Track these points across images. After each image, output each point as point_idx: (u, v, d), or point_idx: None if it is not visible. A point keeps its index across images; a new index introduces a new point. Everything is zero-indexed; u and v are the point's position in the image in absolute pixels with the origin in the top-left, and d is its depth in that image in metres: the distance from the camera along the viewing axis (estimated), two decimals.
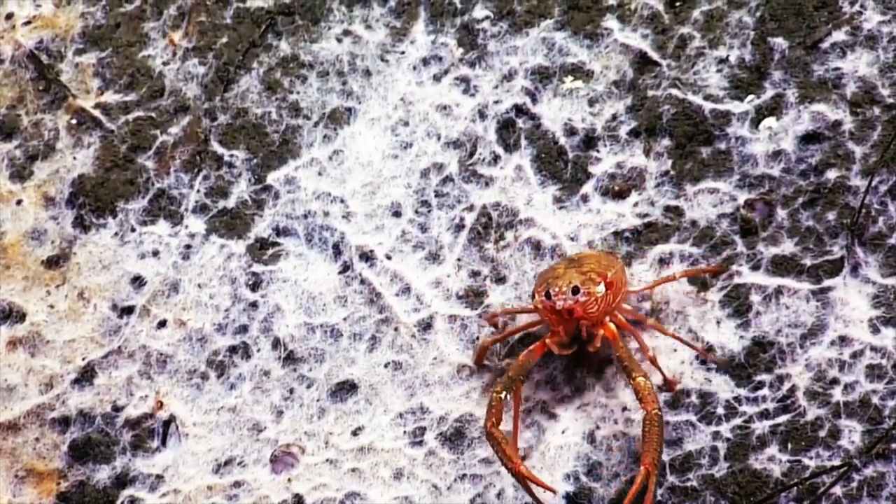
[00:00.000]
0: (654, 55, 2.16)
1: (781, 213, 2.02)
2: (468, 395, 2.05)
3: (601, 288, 1.91)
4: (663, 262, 2.05)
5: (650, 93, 2.14)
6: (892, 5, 2.07)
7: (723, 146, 2.08)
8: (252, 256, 2.19)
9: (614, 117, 2.14)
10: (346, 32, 2.29)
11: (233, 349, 2.15)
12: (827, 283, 1.96)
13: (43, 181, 2.29)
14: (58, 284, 2.23)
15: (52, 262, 2.25)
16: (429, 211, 2.17)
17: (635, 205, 2.09)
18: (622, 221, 2.09)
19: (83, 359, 2.18)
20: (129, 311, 2.19)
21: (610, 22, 2.19)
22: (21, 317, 2.22)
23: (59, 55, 2.36)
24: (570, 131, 2.15)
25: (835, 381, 1.91)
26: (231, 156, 2.26)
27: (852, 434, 1.87)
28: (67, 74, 2.35)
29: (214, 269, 2.19)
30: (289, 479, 2.06)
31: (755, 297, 1.98)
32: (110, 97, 2.32)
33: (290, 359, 2.12)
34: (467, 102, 2.21)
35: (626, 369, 1.88)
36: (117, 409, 2.15)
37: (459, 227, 2.15)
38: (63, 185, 2.28)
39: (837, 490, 1.85)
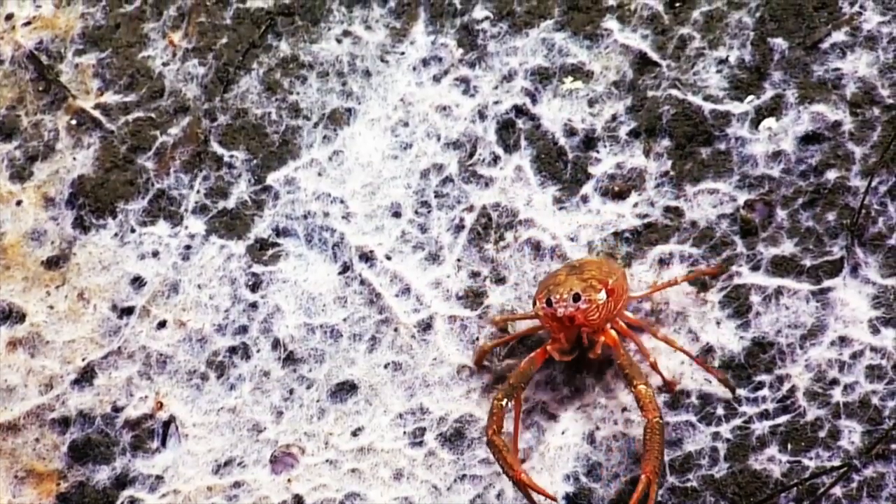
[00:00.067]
0: (654, 56, 2.16)
1: (781, 214, 2.02)
2: (468, 396, 2.05)
3: (602, 295, 1.90)
4: (663, 262, 2.05)
5: (650, 93, 2.14)
6: (892, 6, 2.07)
7: (723, 147, 2.08)
8: (252, 257, 2.19)
9: (614, 118, 2.14)
10: (346, 33, 2.29)
11: (233, 350, 2.15)
12: (827, 283, 1.96)
13: (43, 182, 2.29)
14: (58, 285, 2.23)
15: (52, 263, 2.25)
16: (429, 211, 2.17)
17: (635, 205, 2.09)
18: (622, 222, 2.09)
19: (83, 359, 2.18)
20: (128, 311, 2.19)
21: (610, 22, 2.19)
22: (21, 317, 2.22)
23: (58, 56, 2.36)
24: (570, 132, 2.15)
25: (835, 382, 1.91)
26: (231, 156, 2.26)
27: (852, 435, 1.87)
28: (67, 75, 2.35)
29: (214, 269, 2.19)
30: (288, 480, 2.06)
31: (755, 298, 1.98)
32: (110, 98, 2.32)
33: (289, 359, 2.12)
34: (467, 103, 2.21)
35: (628, 377, 1.87)
36: (117, 409, 2.15)
37: (459, 228, 2.15)
38: (63, 185, 2.28)
39: (837, 490, 1.85)
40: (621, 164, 2.12)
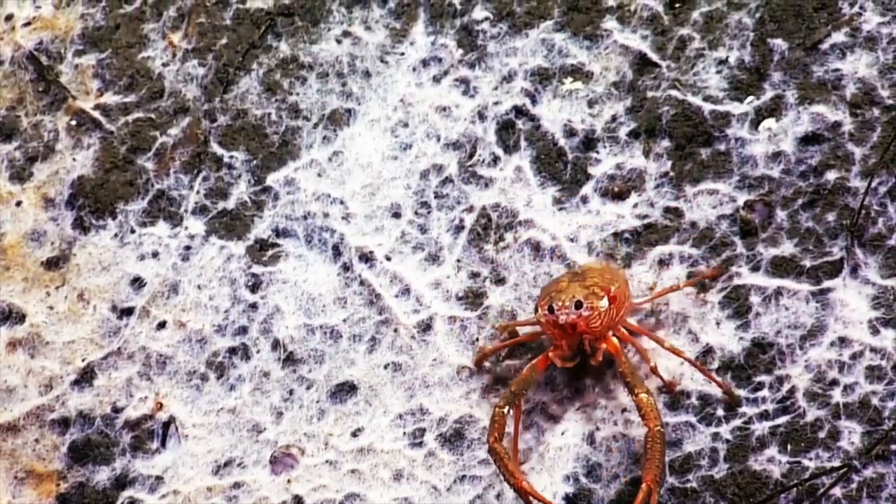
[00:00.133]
0: (654, 56, 2.16)
1: (781, 215, 2.02)
2: (468, 397, 2.05)
3: (604, 302, 1.90)
4: (663, 263, 2.05)
5: (650, 94, 2.14)
6: (892, 6, 2.07)
7: (722, 147, 2.08)
8: (252, 258, 2.19)
9: (614, 118, 2.14)
10: (346, 34, 2.29)
11: (232, 350, 2.15)
12: (826, 284, 1.96)
13: (42, 182, 2.29)
14: (57, 286, 2.23)
15: (52, 264, 2.25)
16: (428, 212, 2.17)
17: (635, 206, 2.09)
18: (622, 222, 2.08)
19: (83, 360, 2.18)
20: (128, 312, 2.19)
21: (609, 23, 2.19)
22: (21, 318, 2.22)
23: (58, 56, 2.36)
24: (570, 132, 2.15)
25: (834, 383, 1.91)
26: (231, 157, 2.26)
27: (852, 435, 1.87)
28: (67, 76, 2.35)
29: (214, 270, 2.19)
30: (288, 481, 2.06)
31: (755, 299, 1.98)
32: (110, 98, 2.32)
33: (289, 360, 2.12)
34: (467, 104, 2.21)
35: (629, 385, 1.87)
36: (117, 410, 2.15)
37: (459, 229, 2.15)
38: (63, 186, 2.28)
39: (837, 491, 1.85)
40: (621, 164, 2.11)
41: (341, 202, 2.20)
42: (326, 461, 2.06)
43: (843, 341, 1.93)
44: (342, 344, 2.12)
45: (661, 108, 2.12)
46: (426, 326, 2.10)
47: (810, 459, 1.88)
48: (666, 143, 2.11)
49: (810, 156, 2.04)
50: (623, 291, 1.94)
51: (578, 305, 1.89)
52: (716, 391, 1.94)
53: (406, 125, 2.22)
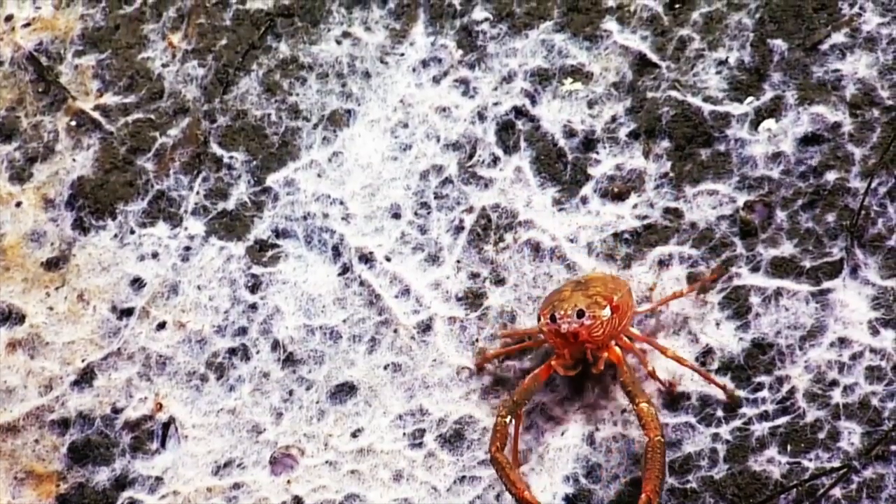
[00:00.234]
0: (654, 57, 2.16)
1: (781, 215, 2.02)
2: (467, 397, 2.05)
3: (607, 312, 1.90)
4: (663, 263, 2.05)
5: (649, 94, 2.14)
6: (892, 7, 2.07)
7: (722, 148, 2.08)
8: (251, 258, 2.19)
9: (614, 119, 2.14)
10: (346, 34, 2.29)
11: (232, 351, 2.15)
12: (826, 284, 1.96)
13: (42, 183, 2.29)
14: (57, 286, 2.23)
15: (52, 264, 2.25)
16: (428, 213, 2.17)
17: (635, 206, 2.09)
18: (621, 223, 2.08)
19: (82, 360, 2.18)
20: (128, 312, 2.19)
21: (609, 24, 2.19)
22: (20, 318, 2.22)
23: (58, 57, 2.36)
24: (570, 133, 2.15)
25: (834, 383, 1.91)
26: (230, 157, 2.26)
27: (852, 436, 1.87)
28: (67, 76, 2.35)
29: (214, 270, 2.19)
30: (288, 481, 2.06)
31: (755, 299, 1.98)
32: (110, 99, 2.32)
33: (289, 360, 2.12)
34: (467, 104, 2.21)
35: (630, 394, 1.87)
36: (117, 410, 2.15)
37: (459, 229, 2.15)
38: (62, 186, 2.28)
39: (837, 492, 1.85)
40: (621, 165, 2.11)
41: (341, 203, 2.20)
42: (326, 462, 2.06)
43: (842, 342, 1.93)
44: (342, 344, 2.12)
45: (660, 108, 2.12)
46: (426, 327, 2.10)
47: (810, 460, 1.88)
48: (666, 143, 2.11)
49: (810, 156, 2.04)
50: (626, 301, 1.94)
51: (580, 314, 1.89)
52: (716, 392, 1.94)
53: (406, 126, 2.22)
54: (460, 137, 2.19)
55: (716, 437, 1.92)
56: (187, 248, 2.21)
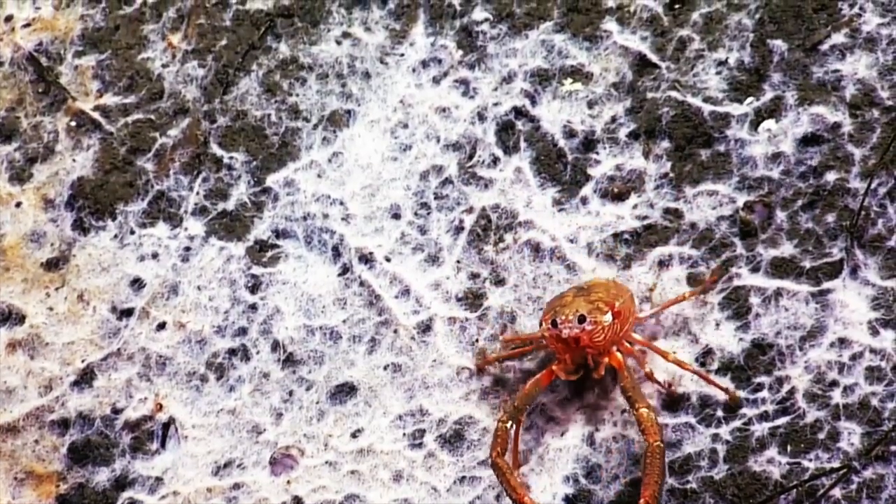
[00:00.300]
0: (654, 57, 2.16)
1: (781, 216, 2.02)
2: (467, 398, 2.05)
3: (608, 317, 1.90)
4: (662, 264, 2.05)
5: (649, 95, 2.14)
6: (892, 7, 2.07)
7: (722, 148, 2.08)
8: (251, 258, 2.19)
9: (613, 119, 2.14)
10: (346, 35, 2.29)
11: (232, 351, 2.15)
12: (826, 285, 1.96)
13: (42, 183, 2.29)
14: (57, 287, 2.23)
15: (52, 265, 2.25)
16: (428, 213, 2.17)
17: (634, 207, 2.09)
18: (621, 223, 2.09)
19: (82, 361, 2.18)
20: (128, 313, 2.19)
21: (609, 24, 2.19)
22: (20, 319, 2.22)
23: (58, 57, 2.36)
24: (570, 133, 2.15)
25: (834, 384, 1.91)
26: (230, 158, 2.26)
27: (852, 436, 1.87)
28: (67, 77, 2.35)
29: (214, 271, 2.19)
30: (288, 482, 2.06)
31: (754, 299, 1.98)
32: (109, 99, 2.32)
33: (289, 361, 2.12)
34: (467, 104, 2.21)
35: (630, 399, 1.87)
36: (116, 411, 2.15)
37: (459, 230, 2.15)
38: (62, 187, 2.28)
39: (837, 492, 1.85)
40: (621, 165, 2.12)
41: (341, 203, 2.20)
42: (326, 462, 2.06)
43: (842, 342, 1.93)
44: (342, 345, 2.12)
45: (660, 109, 2.12)
46: (426, 327, 2.10)
47: (810, 460, 1.88)
48: (666, 144, 2.11)
49: (810, 157, 2.04)
50: (628, 306, 1.94)
51: (582, 320, 1.89)
52: (716, 392, 1.94)
53: (406, 126, 2.22)
54: (460, 138, 2.19)
55: (716, 437, 1.92)
56: (187, 249, 2.21)
